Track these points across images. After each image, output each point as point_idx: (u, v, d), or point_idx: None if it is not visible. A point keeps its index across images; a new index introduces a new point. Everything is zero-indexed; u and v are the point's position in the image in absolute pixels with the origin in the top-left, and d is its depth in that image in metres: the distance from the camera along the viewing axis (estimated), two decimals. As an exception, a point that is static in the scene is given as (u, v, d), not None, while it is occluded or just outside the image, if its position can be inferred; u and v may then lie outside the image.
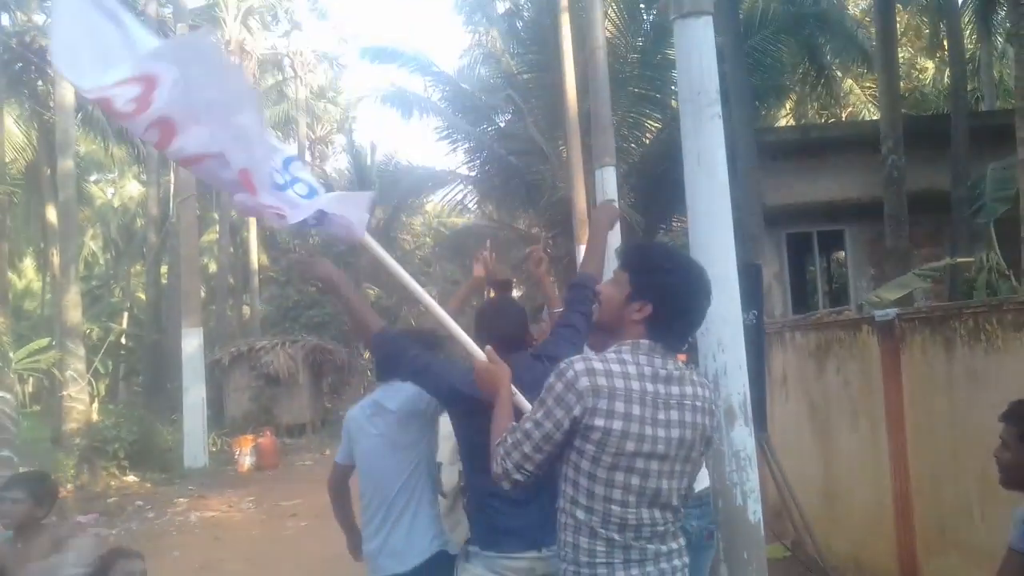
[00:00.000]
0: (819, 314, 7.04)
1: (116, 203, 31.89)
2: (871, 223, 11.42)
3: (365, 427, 3.52)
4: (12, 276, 30.24)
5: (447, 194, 20.21)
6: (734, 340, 2.90)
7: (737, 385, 2.87)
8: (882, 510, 5.40)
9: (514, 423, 2.37)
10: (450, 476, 3.95)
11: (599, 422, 2.21)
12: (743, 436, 2.85)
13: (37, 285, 32.66)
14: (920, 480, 5.05)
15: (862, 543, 5.80)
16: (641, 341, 2.33)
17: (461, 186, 19.52)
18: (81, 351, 14.72)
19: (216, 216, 25.39)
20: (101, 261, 33.81)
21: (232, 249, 27.51)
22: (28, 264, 31.63)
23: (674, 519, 2.36)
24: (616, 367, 2.26)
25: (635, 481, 2.24)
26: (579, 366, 2.25)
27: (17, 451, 12.58)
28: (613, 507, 2.25)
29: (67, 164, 14.66)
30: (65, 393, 14.06)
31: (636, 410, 2.23)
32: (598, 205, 3.84)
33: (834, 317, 6.53)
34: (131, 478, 13.60)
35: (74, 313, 14.60)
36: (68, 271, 14.78)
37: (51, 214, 20.16)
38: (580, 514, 2.29)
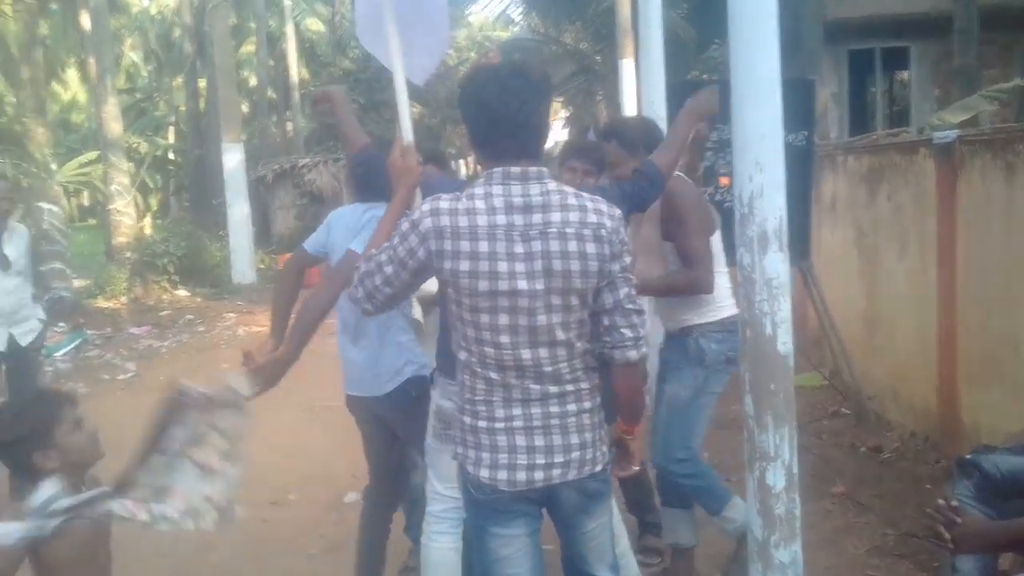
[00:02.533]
0: (874, 136, 6.65)
1: (153, 11, 31.07)
2: (939, 40, 10.69)
3: (352, 226, 3.33)
4: (56, 87, 30.17)
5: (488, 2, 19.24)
6: (773, 159, 2.65)
7: (773, 208, 2.65)
8: (925, 340, 5.25)
9: (375, 250, 2.30)
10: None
11: (447, 264, 2.13)
12: (776, 263, 2.66)
13: (83, 96, 32.41)
14: (967, 311, 4.85)
15: (902, 373, 5.70)
16: (492, 170, 2.18)
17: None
18: (124, 164, 14.81)
19: (253, 26, 24.67)
20: (144, 73, 33.37)
21: (272, 62, 26.95)
22: (72, 75, 31.29)
23: (568, 357, 2.22)
24: (463, 203, 2.15)
25: (504, 320, 2.15)
26: (426, 207, 2.17)
27: (70, 264, 12.91)
28: (486, 348, 2.19)
29: (98, -32, 14.19)
30: (112, 207, 14.25)
31: (484, 247, 2.11)
32: (697, 92, 3.50)
33: (890, 139, 6.14)
34: (182, 292, 13.98)
35: (115, 125, 14.56)
36: (105, 81, 14.60)
37: (86, 21, 19.82)
38: (463, 355, 2.26)
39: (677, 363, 3.62)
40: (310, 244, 3.50)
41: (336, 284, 3.15)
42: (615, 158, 3.58)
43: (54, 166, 12.19)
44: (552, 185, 2.19)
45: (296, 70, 25.02)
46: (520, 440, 2.22)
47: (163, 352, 9.98)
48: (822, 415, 6.08)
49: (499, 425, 2.22)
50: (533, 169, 2.18)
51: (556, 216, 2.14)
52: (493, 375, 2.21)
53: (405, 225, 2.19)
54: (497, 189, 2.15)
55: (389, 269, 2.21)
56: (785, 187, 2.66)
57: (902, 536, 4.12)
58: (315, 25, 28.26)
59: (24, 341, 5.07)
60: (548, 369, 2.20)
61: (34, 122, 11.97)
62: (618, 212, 2.27)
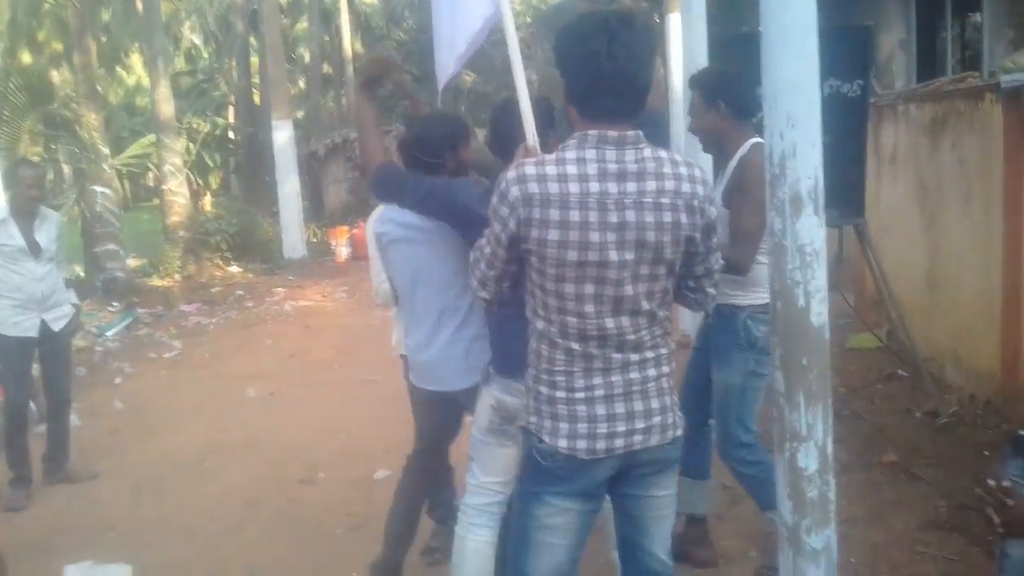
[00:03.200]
0: (937, 83, 6.21)
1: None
2: (1014, -23, 10.02)
3: (399, 231, 3.17)
4: (121, 72, 30.61)
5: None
6: (807, 114, 2.38)
7: (808, 168, 2.38)
8: (989, 302, 4.89)
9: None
10: None
11: (534, 233, 2.03)
12: (811, 228, 2.39)
13: (146, 80, 32.86)
14: (1036, 270, 4.50)
15: (963, 336, 5.35)
16: (588, 132, 2.06)
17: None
18: (177, 145, 14.93)
19: (307, 2, 24.63)
20: (205, 55, 33.72)
21: (327, 37, 26.91)
22: (136, 60, 31.73)
23: (649, 325, 2.16)
24: (552, 169, 2.03)
25: (589, 290, 2.07)
26: (511, 175, 2.05)
27: (125, 245, 13.08)
28: (569, 318, 2.11)
29: (143, -49, 14.21)
30: (165, 187, 14.37)
31: (575, 215, 2.01)
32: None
33: (954, 85, 5.72)
34: (234, 269, 14.09)
35: (166, 107, 14.63)
36: (156, 64, 14.67)
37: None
38: (540, 324, 2.18)
39: (726, 347, 3.39)
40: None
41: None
42: (694, 109, 3.45)
43: (106, 150, 12.24)
44: (648, 151, 2.08)
45: (350, 44, 24.88)
46: (600, 409, 2.16)
47: (210, 329, 10.04)
48: (876, 378, 5.78)
49: (579, 395, 2.15)
50: (630, 133, 2.07)
51: (651, 185, 2.04)
52: (575, 345, 2.13)
53: (495, 200, 2.08)
54: (591, 153, 2.04)
55: (488, 250, 2.16)
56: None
57: (956, 509, 3.85)
58: (369, -3, 28.12)
59: (56, 327, 5.04)
60: (631, 337, 2.14)
61: (86, 107, 12.03)
62: (710, 180, 2.21)
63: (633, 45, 2.01)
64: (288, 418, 6.17)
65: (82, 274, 12.48)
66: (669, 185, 2.06)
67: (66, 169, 13.26)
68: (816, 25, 2.38)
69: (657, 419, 2.20)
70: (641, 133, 2.11)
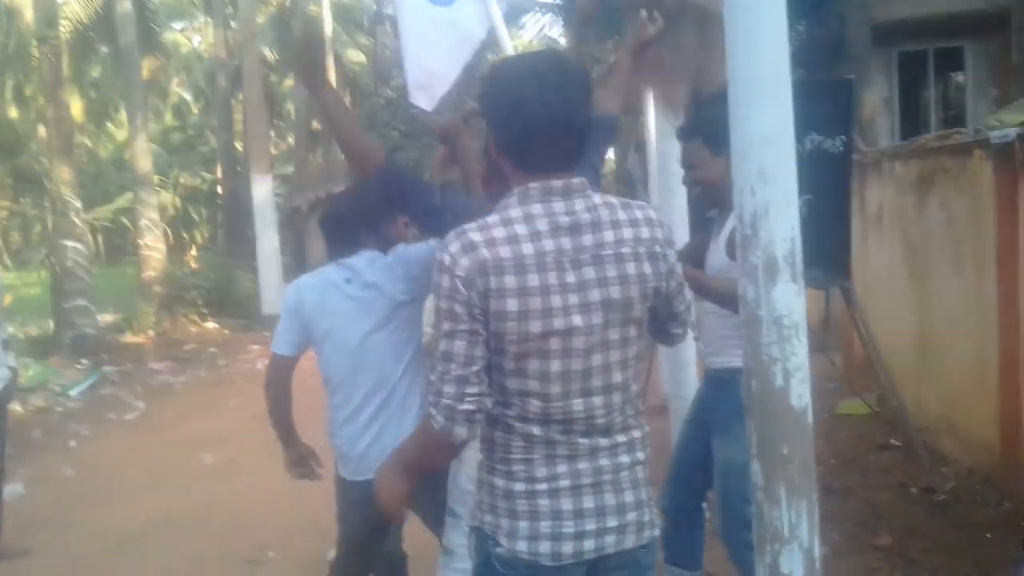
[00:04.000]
0: (923, 139, 6.03)
1: (203, 50, 31.51)
2: (996, 38, 10.00)
3: (335, 298, 2.89)
4: (112, 127, 30.52)
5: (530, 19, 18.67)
6: (782, 169, 2.12)
7: (783, 229, 2.11)
8: (984, 368, 4.62)
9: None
10: None
11: (492, 306, 1.75)
12: (788, 297, 2.11)
13: (136, 135, 32.93)
14: (1033, 334, 4.24)
15: (958, 403, 5.06)
16: (529, 185, 1.81)
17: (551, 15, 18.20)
18: (153, 200, 14.71)
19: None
20: (195, 110, 33.82)
21: (314, 94, 26.91)
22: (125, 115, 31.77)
23: (621, 403, 1.91)
24: (499, 231, 1.78)
25: (555, 367, 1.80)
26: (453, 246, 1.77)
27: (99, 300, 12.75)
28: (531, 400, 1.83)
29: (124, 6, 14.14)
30: (141, 242, 14.10)
31: (533, 280, 1.75)
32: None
33: (941, 141, 5.52)
34: (211, 325, 13.78)
35: (144, 162, 14.49)
36: (135, 119, 14.57)
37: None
38: (495, 409, 1.85)
39: (727, 417, 2.99)
40: (281, 346, 2.99)
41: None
42: (698, 159, 3.16)
43: (78, 204, 11.97)
44: (597, 198, 1.86)
45: (334, 99, 24.84)
46: (566, 503, 1.86)
47: (177, 388, 9.69)
48: (868, 448, 5.46)
49: (541, 487, 1.86)
50: (576, 181, 1.85)
51: (608, 235, 1.83)
52: (535, 430, 1.85)
53: (444, 279, 1.76)
54: (537, 208, 1.80)
55: (459, 343, 1.76)
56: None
57: (958, 601, 3.51)
58: (356, 56, 28.23)
59: (-10, 392, 4.70)
60: (600, 421, 1.88)
61: (59, 160, 11.80)
62: (664, 221, 1.99)
63: (565, 88, 1.79)
64: (242, 488, 5.79)
65: (51, 330, 12.14)
66: (627, 233, 1.85)
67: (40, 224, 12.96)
68: (788, 72, 2.14)
69: (632, 515, 1.92)
70: (586, 179, 1.88)
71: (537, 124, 1.79)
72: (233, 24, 20.22)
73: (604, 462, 1.88)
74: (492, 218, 1.81)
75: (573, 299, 1.78)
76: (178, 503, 5.57)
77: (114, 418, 8.35)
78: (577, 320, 1.78)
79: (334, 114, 2.62)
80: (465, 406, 1.77)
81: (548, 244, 1.77)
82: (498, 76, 1.87)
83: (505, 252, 1.75)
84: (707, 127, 3.14)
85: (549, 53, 1.96)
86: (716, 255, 3.16)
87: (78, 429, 7.93)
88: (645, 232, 1.88)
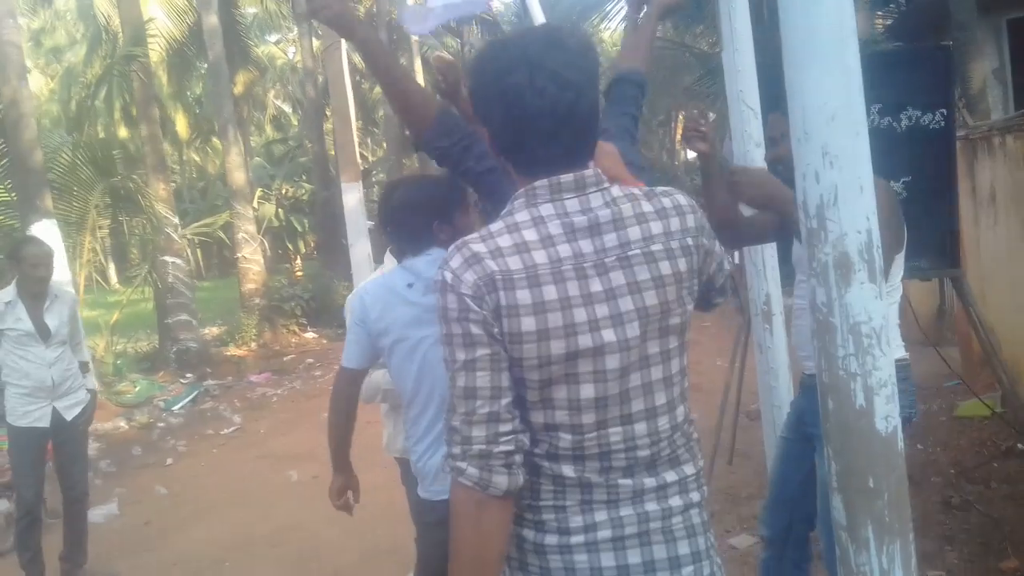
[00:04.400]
0: (1042, 109, 5.45)
1: (296, 61, 32.26)
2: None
3: (397, 305, 2.63)
4: (217, 142, 31.54)
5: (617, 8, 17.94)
6: (851, 148, 1.79)
7: (856, 219, 1.78)
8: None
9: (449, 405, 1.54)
10: None
11: (505, 326, 1.46)
12: (866, 300, 1.78)
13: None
14: None
15: (1094, 402, 4.50)
16: (535, 184, 1.53)
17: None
18: (250, 212, 14.97)
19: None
20: (294, 121, 34.63)
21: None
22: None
23: (670, 432, 1.59)
24: (505, 239, 1.50)
25: (586, 393, 1.50)
26: (455, 260, 1.49)
27: (201, 314, 13.06)
28: (561, 435, 1.52)
29: (211, 21, 14.44)
30: (239, 255, 14.38)
31: (551, 293, 1.47)
32: None
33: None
34: (310, 335, 13.93)
35: (238, 175, 14.79)
36: (226, 132, 14.85)
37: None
38: None
39: None
40: (351, 360, 2.79)
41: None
42: (779, 131, 2.86)
43: (175, 220, 12.29)
44: (616, 190, 1.58)
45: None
46: (607, 559, 1.55)
47: (273, 401, 9.77)
48: (992, 455, 4.92)
49: (577, 540, 1.55)
50: (589, 173, 1.55)
51: (635, 232, 1.54)
52: (567, 471, 1.54)
53: (450, 301, 1.49)
54: (547, 209, 1.52)
55: (481, 377, 1.47)
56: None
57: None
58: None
59: (69, 416, 4.73)
60: (644, 453, 1.57)
61: (154, 177, 12.14)
62: (694, 203, 1.69)
63: (564, 71, 1.49)
64: (324, 507, 5.66)
65: (156, 345, 12.49)
66: (656, 227, 1.56)
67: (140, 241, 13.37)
68: (854, 32, 1.80)
69: (688, 570, 1.59)
70: (600, 170, 1.58)
71: (533, 118, 1.50)
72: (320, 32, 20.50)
73: (651, 507, 1.57)
74: (496, 225, 1.54)
75: (602, 310, 1.49)
76: (260, 524, 5.52)
77: (211, 433, 8.45)
78: (608, 335, 1.49)
79: (378, 58, 2.27)
80: (501, 447, 1.47)
81: (564, 249, 1.50)
82: (484, 63, 1.57)
83: (514, 263, 1.47)
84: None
85: (543, 30, 1.63)
86: (800, 246, 2.80)
87: (176, 445, 8.05)
88: (675, 223, 1.59)
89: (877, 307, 1.79)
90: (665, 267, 1.54)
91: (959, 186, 5.75)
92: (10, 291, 4.65)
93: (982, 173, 5.85)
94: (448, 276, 1.49)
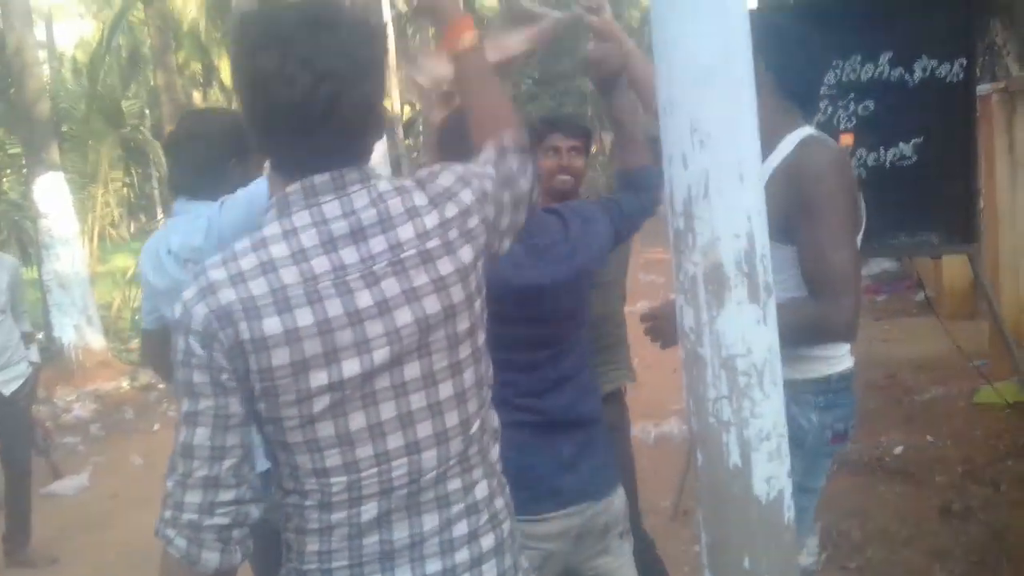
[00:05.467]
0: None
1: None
2: None
3: (158, 276, 2.35)
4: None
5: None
6: (733, 122, 1.34)
7: (733, 221, 1.34)
8: None
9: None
10: None
11: (252, 363, 1.24)
12: (745, 325, 1.34)
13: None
14: None
15: None
16: (288, 190, 1.31)
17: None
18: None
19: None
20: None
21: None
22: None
23: (463, 450, 1.39)
24: (249, 259, 1.27)
25: (357, 423, 1.30)
26: (189, 291, 1.27)
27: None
28: (333, 479, 1.31)
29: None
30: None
31: (306, 316, 1.25)
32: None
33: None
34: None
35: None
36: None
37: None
38: (290, 499, 1.36)
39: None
40: None
41: None
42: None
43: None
44: (385, 184, 1.35)
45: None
46: None
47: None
48: (1007, 451, 4.37)
49: None
50: (351, 171, 1.32)
51: (407, 230, 1.32)
52: (335, 517, 1.33)
53: (180, 341, 1.27)
54: (301, 218, 1.29)
55: (201, 432, 1.25)
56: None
57: None
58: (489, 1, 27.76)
59: (7, 390, 4.47)
60: (430, 485, 1.37)
61: (171, 128, 11.93)
62: (472, 170, 1.43)
63: (324, 58, 1.24)
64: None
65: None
66: (431, 219, 1.34)
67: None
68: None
69: None
70: (366, 166, 1.34)
71: (281, 111, 1.25)
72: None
73: (432, 567, 1.36)
74: (241, 243, 1.30)
75: (374, 328, 1.28)
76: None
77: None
78: (382, 354, 1.29)
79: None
80: (216, 520, 1.26)
81: (321, 263, 1.27)
82: (238, 36, 1.30)
83: (258, 287, 1.25)
84: (770, 36, 2.15)
85: (313, 3, 1.31)
86: None
87: (168, 410, 7.85)
88: (451, 208, 1.36)
89: (761, 336, 1.35)
90: (445, 265, 1.33)
91: (992, 146, 5.16)
92: (-57, 257, 4.39)
93: (1020, 132, 5.24)
94: (179, 310, 1.27)
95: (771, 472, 1.36)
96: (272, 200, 1.33)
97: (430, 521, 1.36)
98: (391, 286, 1.29)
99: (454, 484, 1.39)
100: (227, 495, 1.27)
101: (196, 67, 31.29)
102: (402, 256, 1.30)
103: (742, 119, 1.32)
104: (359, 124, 1.31)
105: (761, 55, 2.10)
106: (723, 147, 1.31)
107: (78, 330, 9.59)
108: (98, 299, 10.45)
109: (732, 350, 1.34)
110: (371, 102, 1.30)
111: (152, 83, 12.67)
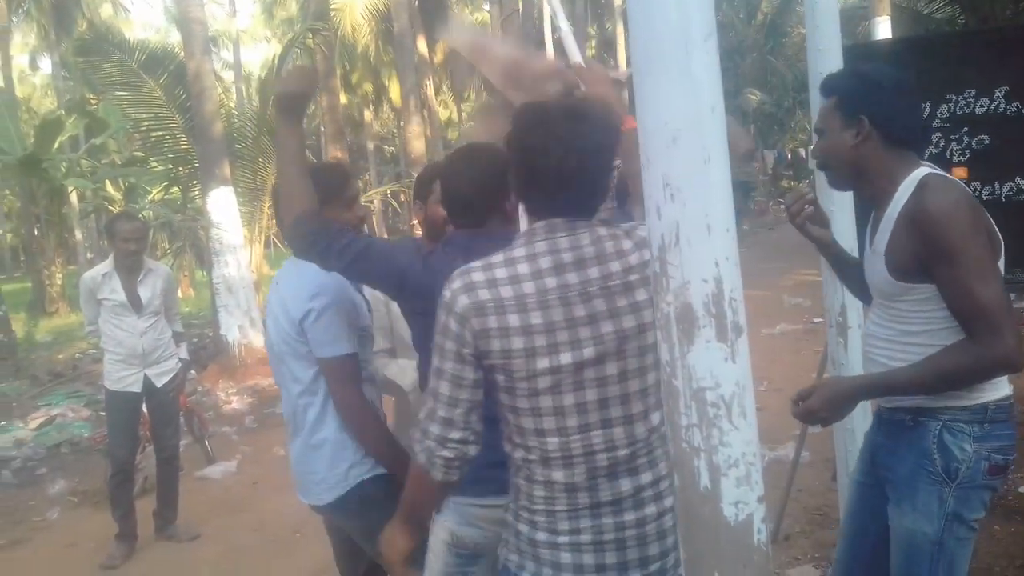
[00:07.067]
0: None
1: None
2: None
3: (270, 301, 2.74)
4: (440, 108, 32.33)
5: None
6: (700, 179, 1.46)
7: (701, 267, 1.45)
8: None
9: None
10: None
11: (495, 345, 1.79)
12: (713, 362, 1.45)
13: (456, 115, 34.46)
14: None
15: None
16: (534, 226, 1.86)
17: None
18: (424, 180, 15.35)
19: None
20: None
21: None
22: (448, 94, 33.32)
23: (646, 433, 1.87)
24: (502, 271, 1.82)
25: (568, 400, 1.82)
26: (456, 284, 1.83)
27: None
28: (549, 439, 1.84)
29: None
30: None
31: (537, 318, 1.79)
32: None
33: None
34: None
35: (416, 144, 15.18)
36: (408, 102, 15.23)
37: (421, 46, 20.94)
38: (517, 454, 1.89)
39: (910, 478, 2.23)
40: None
41: None
42: (827, 123, 2.32)
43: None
44: (603, 230, 1.87)
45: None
46: (588, 558, 1.87)
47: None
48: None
49: (562, 540, 1.87)
50: (581, 218, 1.87)
51: (615, 265, 1.84)
52: (556, 475, 1.85)
53: (443, 316, 1.83)
54: (542, 246, 1.84)
55: (446, 384, 1.82)
56: None
57: None
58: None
59: (159, 382, 5.03)
60: (623, 452, 1.85)
61: (331, 145, 12.69)
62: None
63: (575, 140, 1.78)
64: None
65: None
66: (633, 259, 1.84)
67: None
68: (709, 27, 1.46)
69: (655, 567, 1.89)
70: (594, 219, 1.88)
71: (538, 173, 1.81)
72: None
73: (628, 516, 1.86)
74: (497, 257, 1.84)
75: (584, 332, 1.79)
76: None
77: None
78: (589, 352, 1.79)
79: (294, 152, 2.41)
80: (444, 452, 1.82)
81: (551, 281, 1.80)
82: (517, 118, 1.87)
83: (507, 292, 1.79)
84: (848, 82, 2.31)
85: (571, 103, 1.95)
86: (873, 268, 2.31)
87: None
88: (647, 253, 1.71)
89: (728, 371, 1.47)
90: (641, 294, 1.81)
91: None
92: (108, 264, 5.00)
93: None
94: (447, 295, 1.82)
95: (739, 497, 1.48)
96: (524, 230, 1.88)
97: (626, 484, 1.84)
98: (599, 304, 1.80)
99: (641, 460, 1.86)
100: (457, 434, 1.81)
101: (368, 87, 32.81)
102: (610, 284, 1.81)
103: (710, 176, 1.44)
104: (594, 186, 1.85)
105: (863, 111, 2.19)
106: (691, 201, 1.44)
107: (242, 330, 10.42)
108: (261, 302, 11.27)
109: (702, 383, 1.46)
110: (602, 172, 1.85)
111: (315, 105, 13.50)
